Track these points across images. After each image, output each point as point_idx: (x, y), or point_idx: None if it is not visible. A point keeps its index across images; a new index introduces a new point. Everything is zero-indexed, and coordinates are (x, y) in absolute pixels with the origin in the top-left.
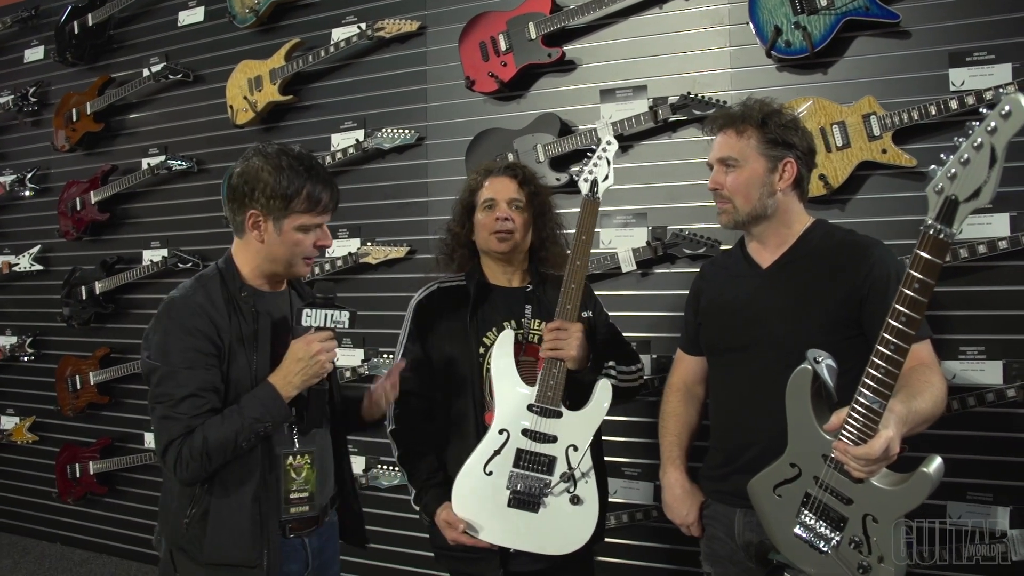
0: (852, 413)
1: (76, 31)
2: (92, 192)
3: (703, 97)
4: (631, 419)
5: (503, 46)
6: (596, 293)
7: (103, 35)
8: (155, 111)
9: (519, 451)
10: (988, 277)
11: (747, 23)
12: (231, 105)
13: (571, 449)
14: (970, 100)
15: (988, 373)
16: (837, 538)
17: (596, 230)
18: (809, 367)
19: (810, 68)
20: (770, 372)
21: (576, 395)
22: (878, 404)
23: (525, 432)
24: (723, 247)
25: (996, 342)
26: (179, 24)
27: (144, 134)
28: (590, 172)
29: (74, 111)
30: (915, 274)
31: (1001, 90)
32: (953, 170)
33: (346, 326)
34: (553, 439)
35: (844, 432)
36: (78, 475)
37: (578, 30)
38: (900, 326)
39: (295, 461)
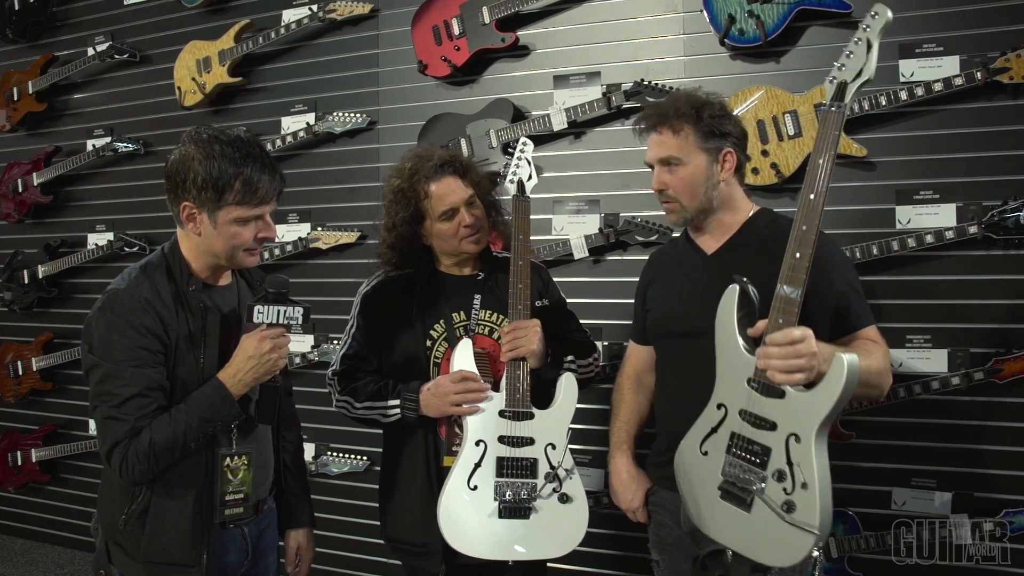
0: (773, 312)
1: (16, 7)
2: (35, 174)
3: (657, 84)
4: (581, 406)
5: (456, 30)
6: None
7: (45, 12)
8: (100, 91)
9: (499, 459)
10: (935, 267)
11: (701, 11)
12: (179, 86)
13: (549, 448)
14: (919, 91)
15: (933, 361)
16: (761, 478)
17: (549, 216)
18: (736, 286)
19: (763, 57)
20: (711, 355)
21: (540, 394)
22: (795, 293)
23: (502, 439)
24: (674, 235)
25: (942, 331)
26: (125, 3)
27: (89, 115)
28: (513, 174)
29: (15, 90)
30: (822, 147)
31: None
32: (842, 62)
33: (299, 322)
34: (531, 441)
35: (767, 334)
36: (20, 463)
37: (532, 15)
38: (811, 205)
39: (232, 462)
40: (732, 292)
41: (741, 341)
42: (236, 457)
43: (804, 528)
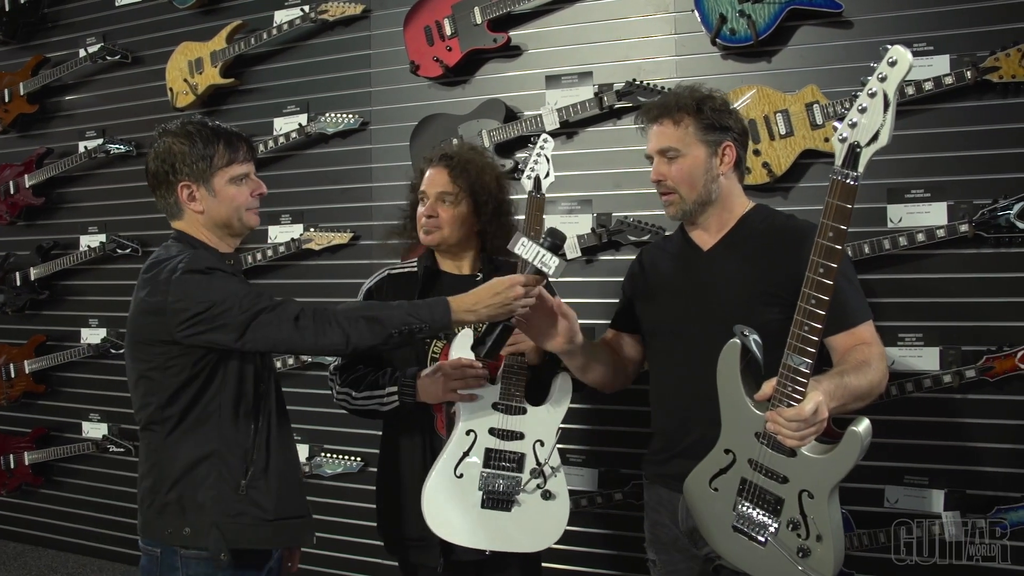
0: (780, 379)
1: (7, 8)
2: (26, 175)
3: (648, 84)
4: (574, 406)
5: (448, 31)
6: None
7: (36, 13)
8: (92, 93)
9: (488, 450)
10: (926, 265)
11: (692, 11)
12: (171, 88)
13: (538, 444)
14: (910, 90)
15: (925, 359)
16: (775, 524)
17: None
18: (738, 341)
19: (754, 56)
20: (710, 352)
21: (534, 391)
22: (804, 364)
23: (492, 431)
24: (667, 234)
25: (933, 329)
26: (117, 3)
27: (81, 116)
28: (531, 170)
29: (6, 92)
30: (828, 223)
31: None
32: (854, 119)
33: (551, 272)
34: (520, 436)
35: (774, 400)
36: (12, 466)
37: (524, 15)
38: (818, 278)
39: None
40: (734, 348)
41: (747, 399)
42: None
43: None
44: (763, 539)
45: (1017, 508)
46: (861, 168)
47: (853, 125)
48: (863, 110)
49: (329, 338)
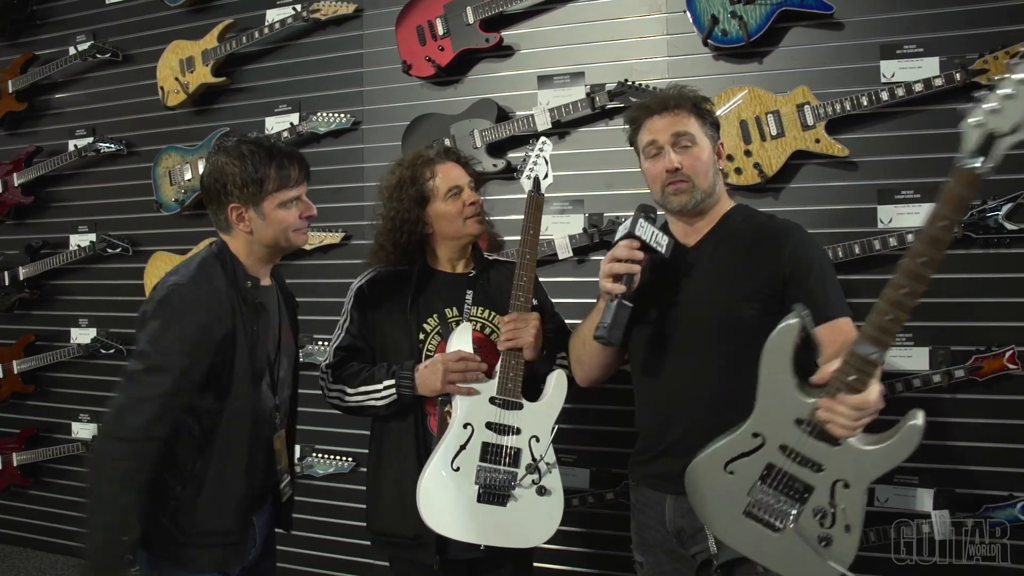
0: (845, 366)
1: None
2: (15, 174)
3: (640, 84)
4: (567, 405)
5: (440, 30)
6: None
7: (25, 10)
8: (82, 91)
9: (485, 445)
10: None
11: (684, 11)
12: (162, 86)
13: (533, 440)
14: (900, 92)
15: (915, 359)
16: (796, 511)
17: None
18: (796, 320)
19: (746, 57)
20: (693, 349)
21: (531, 387)
22: (877, 355)
23: (489, 425)
24: None
25: (923, 329)
26: (107, 1)
27: (71, 115)
28: (531, 171)
29: None
30: (942, 210)
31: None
32: (994, 104)
33: (663, 251)
34: (517, 431)
35: (831, 386)
36: (1, 467)
37: (516, 15)
38: (918, 269)
39: (277, 444)
40: (791, 328)
41: (796, 381)
42: (278, 438)
43: (839, 569)
44: (780, 526)
45: (1005, 506)
46: (992, 160)
47: (994, 112)
48: (1009, 96)
49: (91, 493)
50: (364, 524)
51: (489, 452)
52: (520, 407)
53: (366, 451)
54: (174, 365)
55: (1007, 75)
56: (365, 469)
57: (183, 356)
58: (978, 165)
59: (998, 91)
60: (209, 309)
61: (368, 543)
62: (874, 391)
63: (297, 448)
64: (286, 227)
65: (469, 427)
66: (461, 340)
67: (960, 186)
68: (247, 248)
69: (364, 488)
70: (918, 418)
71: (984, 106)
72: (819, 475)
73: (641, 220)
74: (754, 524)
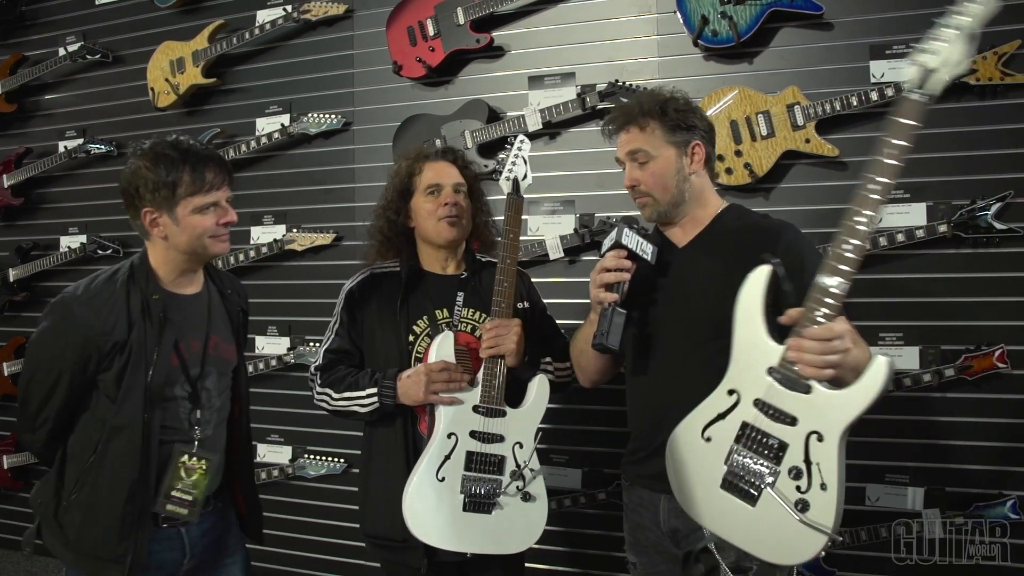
0: (809, 303)
1: None
2: (5, 175)
3: (631, 85)
4: (558, 406)
5: (431, 31)
6: None
7: (14, 11)
8: (72, 92)
9: (469, 454)
10: (906, 265)
11: (675, 12)
12: (152, 87)
13: (517, 446)
14: (889, 92)
15: (906, 359)
16: (773, 472)
17: (524, 218)
18: (768, 267)
19: (736, 58)
20: (684, 348)
21: (514, 393)
22: (839, 286)
23: (473, 434)
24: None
25: (913, 328)
26: (97, 2)
27: (61, 116)
28: (510, 171)
29: None
30: (891, 140)
31: None
32: (933, 47)
33: (649, 258)
34: (500, 439)
35: (799, 327)
36: None
37: (507, 16)
38: (871, 195)
39: (189, 461)
40: (761, 273)
41: (765, 330)
42: (196, 459)
43: (818, 528)
44: (756, 492)
45: (994, 504)
46: (929, 88)
47: (931, 53)
48: (945, 41)
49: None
50: (356, 526)
51: (474, 461)
52: (503, 414)
53: (358, 452)
54: (50, 368)
55: (945, 26)
56: (357, 470)
57: (55, 360)
58: (916, 97)
59: (938, 39)
60: (94, 319)
61: (360, 544)
62: (841, 321)
63: (289, 449)
64: (201, 233)
65: (453, 436)
66: (443, 349)
67: (904, 113)
68: (164, 255)
69: (356, 490)
70: (883, 356)
71: (925, 46)
72: (793, 429)
73: (626, 230)
74: (731, 498)
